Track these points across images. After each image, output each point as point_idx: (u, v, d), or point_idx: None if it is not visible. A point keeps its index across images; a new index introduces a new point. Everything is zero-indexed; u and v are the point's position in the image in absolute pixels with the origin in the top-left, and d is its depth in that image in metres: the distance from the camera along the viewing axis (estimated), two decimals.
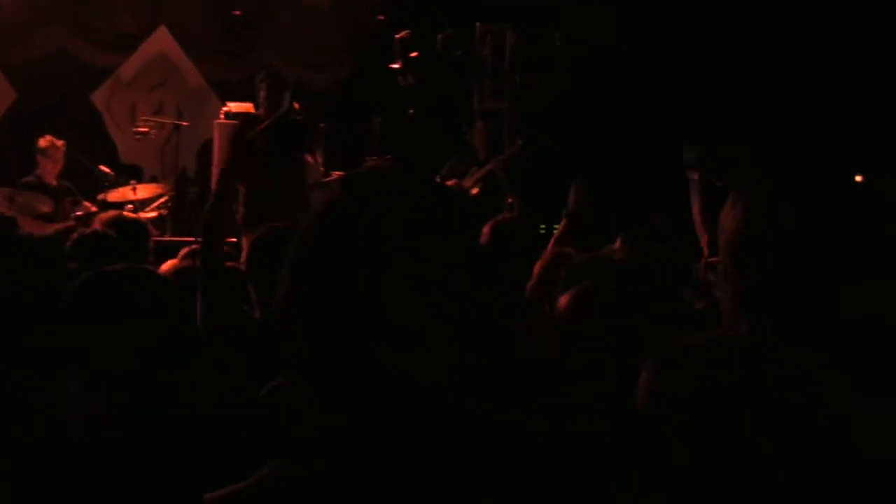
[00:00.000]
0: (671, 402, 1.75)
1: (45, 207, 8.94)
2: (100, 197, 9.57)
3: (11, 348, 2.27)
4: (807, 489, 1.71)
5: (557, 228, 5.64)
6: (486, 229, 4.53)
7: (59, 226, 8.45)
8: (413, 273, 1.39)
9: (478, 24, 10.50)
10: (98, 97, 11.74)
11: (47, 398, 2.13)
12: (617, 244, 5.06)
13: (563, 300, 3.17)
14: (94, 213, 8.39)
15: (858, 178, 9.11)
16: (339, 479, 1.39)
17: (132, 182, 9.78)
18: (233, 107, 8.84)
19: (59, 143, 9.27)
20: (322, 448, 1.41)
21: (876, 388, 1.99)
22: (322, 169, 8.67)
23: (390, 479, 1.41)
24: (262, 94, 7.90)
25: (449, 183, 9.24)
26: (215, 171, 8.50)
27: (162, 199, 9.90)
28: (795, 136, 8.92)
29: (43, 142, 9.26)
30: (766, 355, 1.88)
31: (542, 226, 9.37)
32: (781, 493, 1.70)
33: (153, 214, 9.52)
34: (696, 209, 4.76)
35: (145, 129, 10.42)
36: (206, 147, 8.94)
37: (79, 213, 9.00)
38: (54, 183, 9.26)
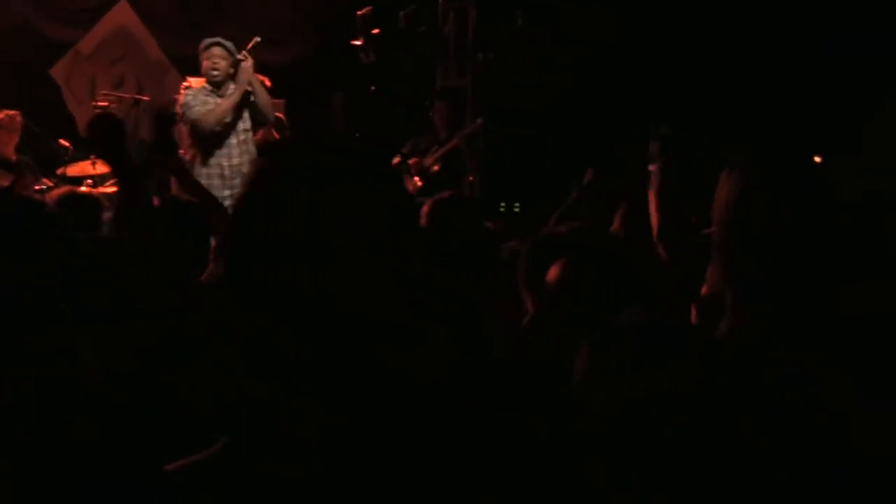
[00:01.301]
0: (671, 401, 1.76)
1: (4, 181, 8.86)
2: (59, 171, 9.50)
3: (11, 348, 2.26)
4: (807, 489, 1.72)
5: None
6: (424, 208, 4.45)
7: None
8: (361, 262, 1.38)
9: (440, 0, 10.48)
10: (57, 71, 11.63)
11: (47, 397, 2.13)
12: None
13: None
14: (53, 188, 8.33)
15: (817, 159, 9.18)
16: (339, 478, 1.38)
17: (91, 157, 9.70)
18: (193, 81, 8.78)
19: (15, 114, 9.18)
20: (322, 448, 1.40)
21: (876, 387, 2.00)
22: None
23: (390, 478, 1.40)
24: (207, 64, 7.85)
25: (410, 162, 9.25)
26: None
27: None
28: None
29: (1, 116, 9.18)
30: (766, 355, 1.90)
31: (502, 203, 9.40)
32: (781, 493, 1.71)
33: (113, 189, 9.46)
34: (651, 193, 4.80)
35: (105, 104, 10.31)
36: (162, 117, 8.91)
37: (38, 187, 8.93)
38: (13, 157, 9.18)
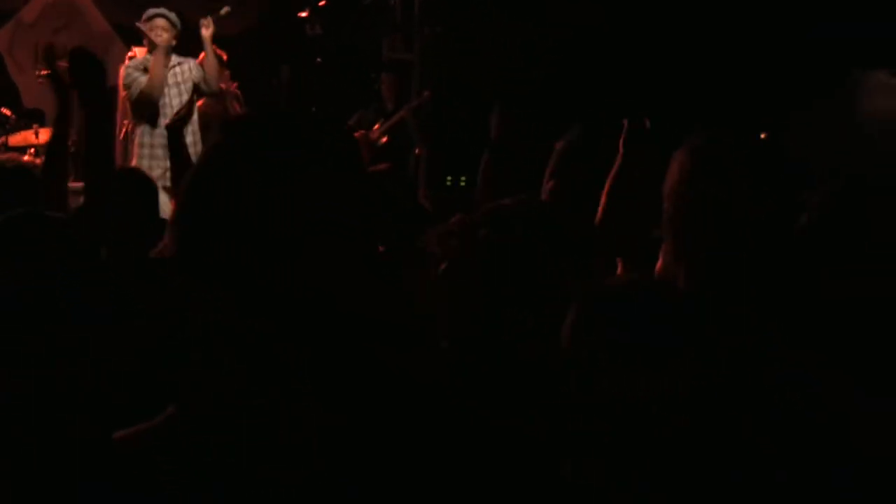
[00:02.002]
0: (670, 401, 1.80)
1: None
2: (0, 140, 9.40)
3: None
4: (807, 489, 1.74)
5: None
6: None
7: None
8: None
9: None
10: None
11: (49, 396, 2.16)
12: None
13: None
14: None
15: (763, 136, 9.26)
16: (340, 479, 1.37)
17: (34, 126, 9.61)
18: (138, 51, 8.70)
19: None
20: (322, 448, 1.38)
21: (874, 387, 2.00)
22: None
23: (389, 479, 1.39)
24: (156, 35, 7.79)
25: (357, 134, 9.24)
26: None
27: None
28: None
29: None
30: (767, 355, 1.93)
31: (449, 177, 9.42)
32: (781, 493, 1.73)
33: None
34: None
35: (48, 72, 10.20)
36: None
37: None
38: None
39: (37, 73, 10.42)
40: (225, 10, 7.90)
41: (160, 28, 7.82)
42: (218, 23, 8.06)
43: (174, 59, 7.87)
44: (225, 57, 8.60)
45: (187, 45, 8.08)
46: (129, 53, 8.44)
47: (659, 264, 2.68)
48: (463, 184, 9.48)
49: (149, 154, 7.67)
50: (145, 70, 7.74)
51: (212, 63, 7.86)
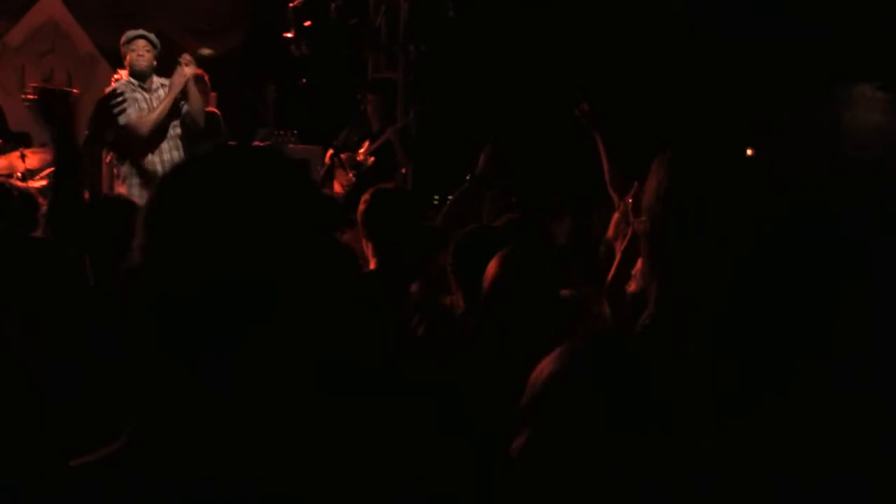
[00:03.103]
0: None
1: None
2: None
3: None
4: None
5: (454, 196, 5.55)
6: (364, 199, 4.38)
7: None
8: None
9: None
10: None
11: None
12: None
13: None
14: None
15: (749, 152, 9.32)
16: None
17: (20, 149, 9.60)
18: (123, 74, 8.70)
19: None
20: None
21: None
22: None
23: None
24: (132, 56, 7.78)
25: (342, 155, 9.25)
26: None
27: (51, 169, 9.70)
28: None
29: None
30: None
31: (436, 196, 9.43)
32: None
33: (42, 183, 9.35)
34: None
35: (34, 96, 10.20)
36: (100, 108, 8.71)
37: None
38: None
39: (22, 96, 10.41)
40: (207, 51, 7.87)
41: (142, 49, 7.80)
42: (197, 43, 8.02)
43: (156, 81, 7.86)
44: (207, 77, 8.59)
45: (167, 66, 8.04)
46: (115, 76, 8.44)
47: (634, 283, 2.68)
48: None
49: (138, 182, 7.65)
50: (133, 97, 7.70)
51: (196, 100, 7.82)
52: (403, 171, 9.32)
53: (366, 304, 2.92)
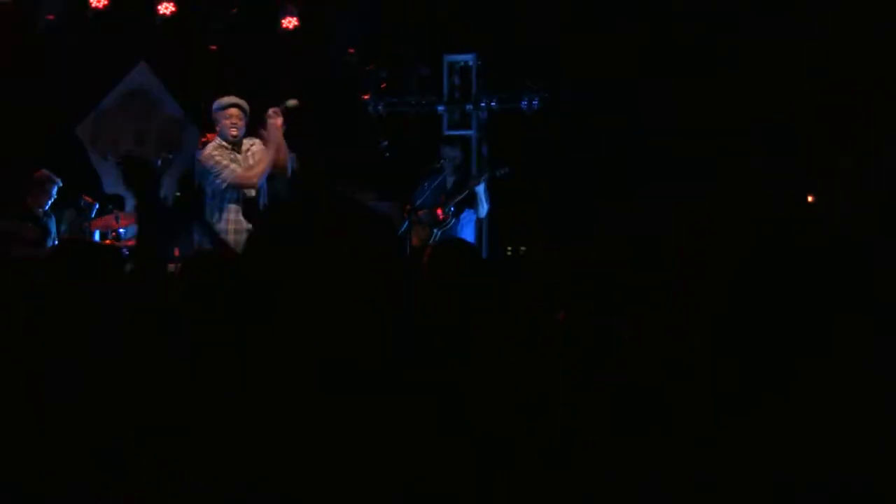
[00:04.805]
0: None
1: (31, 233, 9.21)
2: (84, 226, 9.83)
3: None
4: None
5: None
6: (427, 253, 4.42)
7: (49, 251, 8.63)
8: None
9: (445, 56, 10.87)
10: (82, 130, 12.07)
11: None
12: None
13: None
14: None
15: (810, 198, 9.24)
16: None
17: (115, 212, 9.97)
18: (211, 137, 8.90)
19: (48, 174, 9.58)
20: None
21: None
22: None
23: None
24: (227, 123, 8.00)
25: (420, 212, 9.46)
26: None
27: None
28: None
29: (38, 174, 9.56)
30: None
31: (509, 248, 9.61)
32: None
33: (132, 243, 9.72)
34: None
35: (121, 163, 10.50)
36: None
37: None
38: (40, 212, 9.56)
39: (116, 161, 10.83)
40: (292, 102, 7.96)
41: (236, 117, 8.00)
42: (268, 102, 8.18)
43: (246, 142, 8.12)
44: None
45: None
46: (202, 139, 8.67)
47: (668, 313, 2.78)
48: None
49: (234, 229, 7.89)
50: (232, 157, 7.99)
51: (283, 155, 8.04)
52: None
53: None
